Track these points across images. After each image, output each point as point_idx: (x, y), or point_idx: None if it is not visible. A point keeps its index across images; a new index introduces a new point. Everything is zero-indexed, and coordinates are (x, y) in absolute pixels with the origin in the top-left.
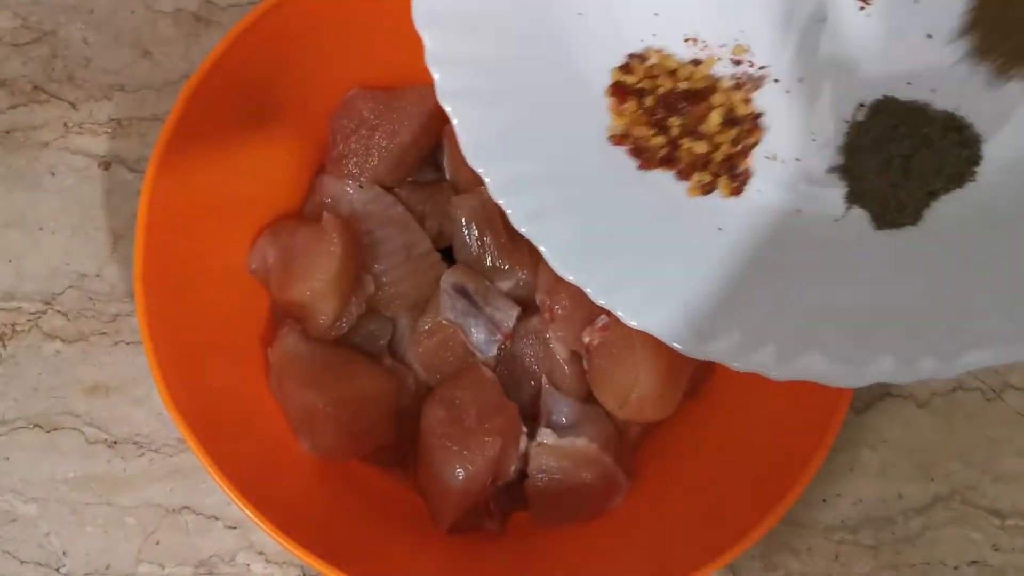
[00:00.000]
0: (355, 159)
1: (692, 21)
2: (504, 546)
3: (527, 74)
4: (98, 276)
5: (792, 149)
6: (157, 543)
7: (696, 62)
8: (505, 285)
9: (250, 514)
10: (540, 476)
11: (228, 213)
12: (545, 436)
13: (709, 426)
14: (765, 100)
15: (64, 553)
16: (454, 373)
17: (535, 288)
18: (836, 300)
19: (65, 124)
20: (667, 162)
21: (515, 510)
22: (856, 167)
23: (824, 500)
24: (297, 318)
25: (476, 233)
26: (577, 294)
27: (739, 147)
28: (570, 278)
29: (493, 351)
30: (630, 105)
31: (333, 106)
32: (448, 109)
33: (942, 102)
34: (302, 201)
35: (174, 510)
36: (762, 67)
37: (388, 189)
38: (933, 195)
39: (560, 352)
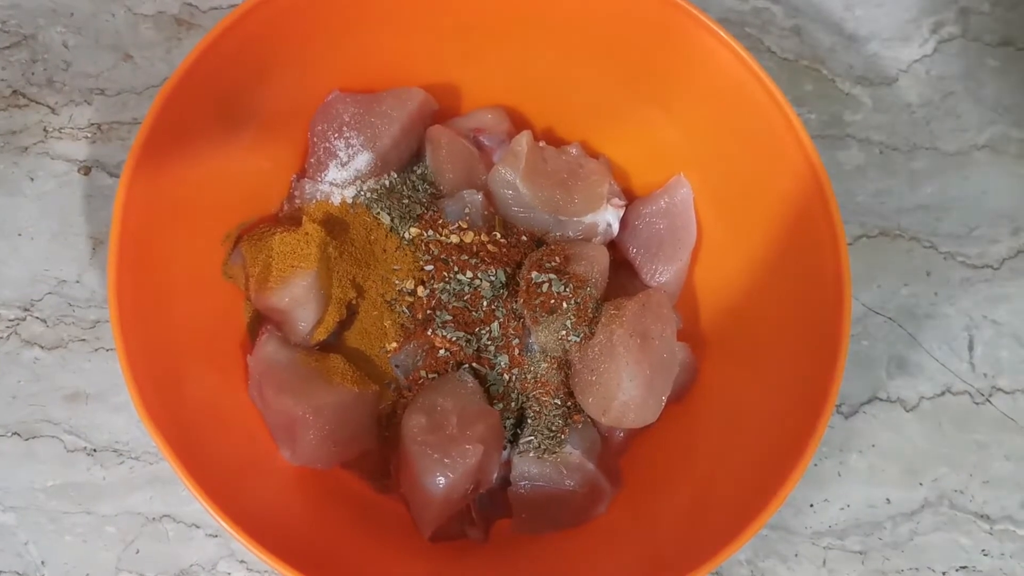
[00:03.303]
0: (335, 163)
1: None
2: (487, 554)
3: None
4: (78, 282)
5: None
6: (137, 552)
7: None
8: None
9: (225, 525)
10: (523, 483)
11: (206, 218)
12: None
13: (694, 432)
14: None
15: (43, 562)
16: (436, 380)
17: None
18: None
19: (45, 129)
20: None
21: (498, 517)
22: None
23: (812, 505)
24: (276, 324)
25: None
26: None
27: None
28: None
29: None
30: None
31: (312, 109)
32: None
33: None
34: (281, 205)
35: (154, 518)
36: None
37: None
38: None
39: (542, 358)
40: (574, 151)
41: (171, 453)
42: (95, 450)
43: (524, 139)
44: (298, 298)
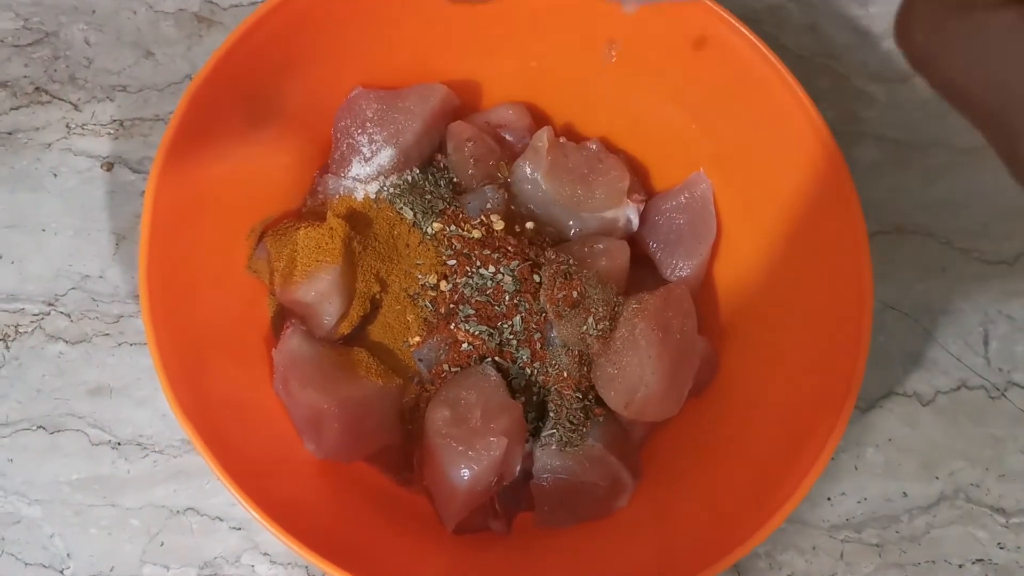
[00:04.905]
0: (358, 159)
1: None
2: (510, 546)
3: None
4: (101, 277)
5: None
6: (161, 544)
7: None
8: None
9: (257, 516)
10: (545, 476)
11: (232, 213)
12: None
13: (714, 425)
14: None
15: (68, 555)
16: (459, 373)
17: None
18: None
19: (67, 125)
20: None
21: (520, 510)
22: None
23: (829, 499)
24: (301, 318)
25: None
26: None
27: None
28: None
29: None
30: None
31: (336, 106)
32: None
33: None
34: (304, 200)
35: (178, 511)
36: None
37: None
38: None
39: (564, 352)
40: (594, 147)
41: (202, 444)
42: (119, 443)
43: (545, 135)
44: (323, 292)
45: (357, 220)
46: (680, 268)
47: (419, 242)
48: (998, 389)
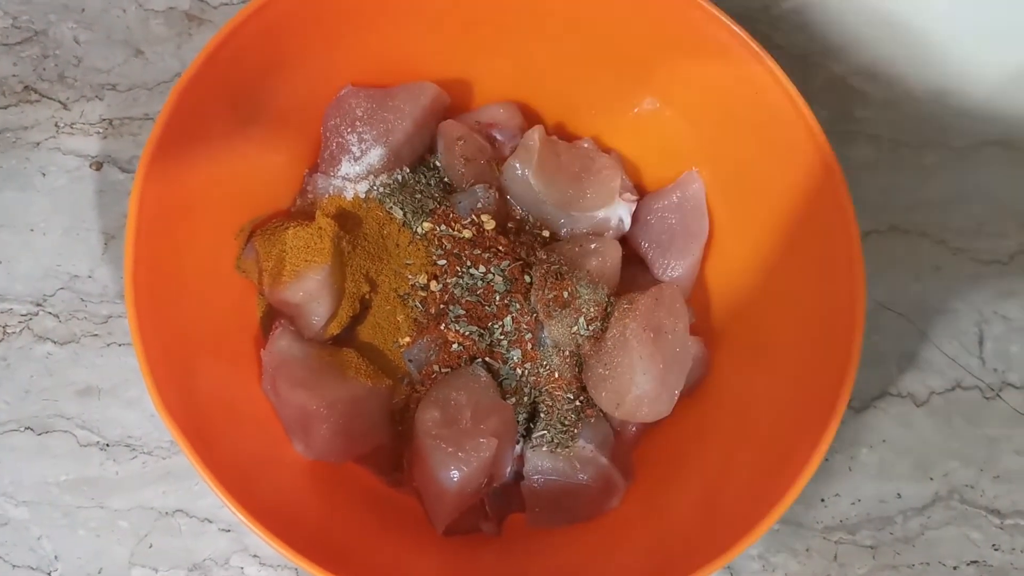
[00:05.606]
0: (348, 158)
1: None
2: (500, 548)
3: None
4: (90, 277)
5: None
6: (150, 546)
7: None
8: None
9: (243, 518)
10: (536, 477)
11: (220, 212)
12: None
13: (706, 426)
14: None
15: (56, 557)
16: (449, 374)
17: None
18: None
19: (56, 124)
20: None
21: (511, 512)
22: None
23: (823, 500)
24: (290, 318)
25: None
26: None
27: None
28: None
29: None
30: None
31: (325, 104)
32: None
33: None
34: (294, 200)
35: (167, 513)
36: None
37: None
38: None
39: (555, 353)
40: (586, 145)
41: (188, 446)
42: (108, 445)
43: (536, 133)
44: (311, 292)
45: (346, 220)
46: (672, 268)
47: (409, 242)
48: (992, 389)
